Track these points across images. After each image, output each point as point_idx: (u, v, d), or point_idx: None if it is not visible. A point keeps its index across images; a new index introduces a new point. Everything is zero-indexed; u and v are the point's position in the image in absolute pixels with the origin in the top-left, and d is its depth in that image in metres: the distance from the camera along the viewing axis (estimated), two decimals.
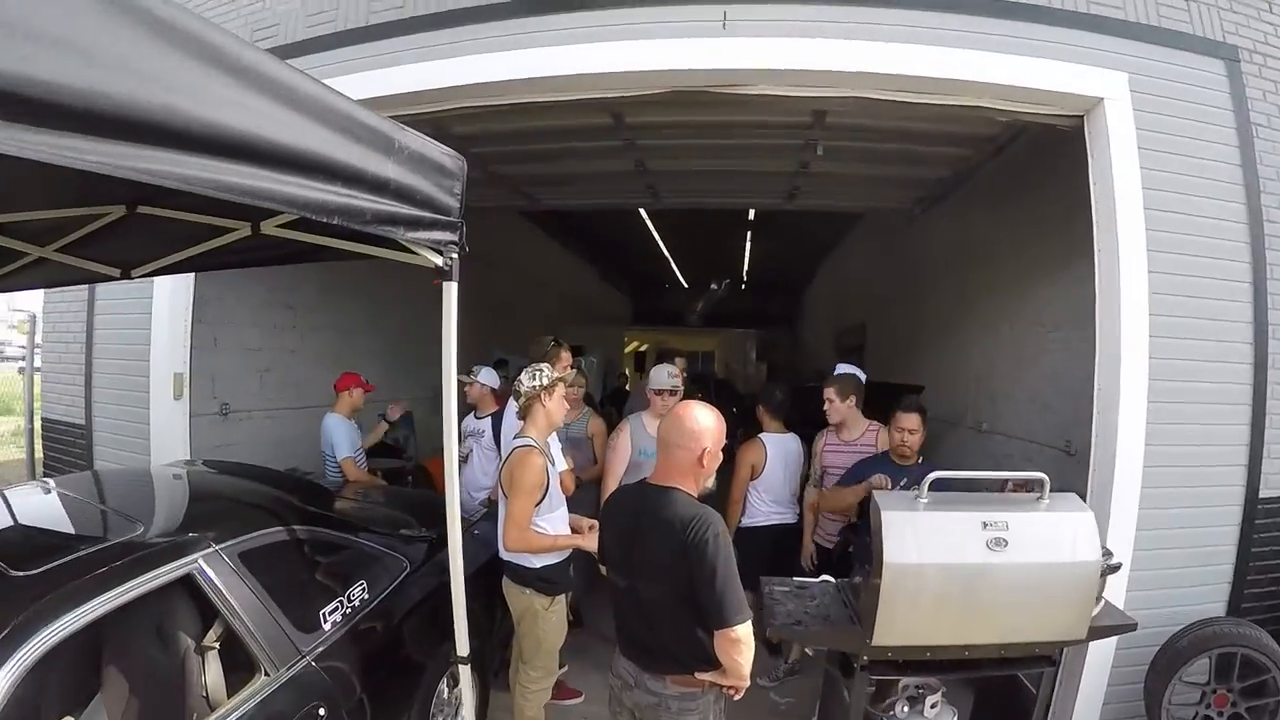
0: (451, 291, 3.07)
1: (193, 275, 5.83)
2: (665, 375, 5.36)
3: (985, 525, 3.45)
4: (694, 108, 5.72)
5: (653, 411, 5.28)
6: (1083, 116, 4.74)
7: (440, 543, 3.85)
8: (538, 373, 4.20)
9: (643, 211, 15.41)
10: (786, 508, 5.48)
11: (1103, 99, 4.64)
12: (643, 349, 25.41)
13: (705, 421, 2.91)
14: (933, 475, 3.59)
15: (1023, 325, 7.52)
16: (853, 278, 16.64)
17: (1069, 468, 6.38)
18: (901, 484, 4.54)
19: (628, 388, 18.09)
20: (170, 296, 6.08)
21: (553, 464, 4.23)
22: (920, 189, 8.83)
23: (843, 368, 6.03)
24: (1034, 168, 6.89)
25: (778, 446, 5.45)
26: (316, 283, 8.37)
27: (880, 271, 13.60)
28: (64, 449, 6.85)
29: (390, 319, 9.89)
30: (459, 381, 6.22)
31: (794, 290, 27.47)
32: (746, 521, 5.33)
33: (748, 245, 19.72)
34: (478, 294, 13.42)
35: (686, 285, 27.77)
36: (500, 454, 5.21)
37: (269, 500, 4.16)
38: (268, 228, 3.14)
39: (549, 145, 7.39)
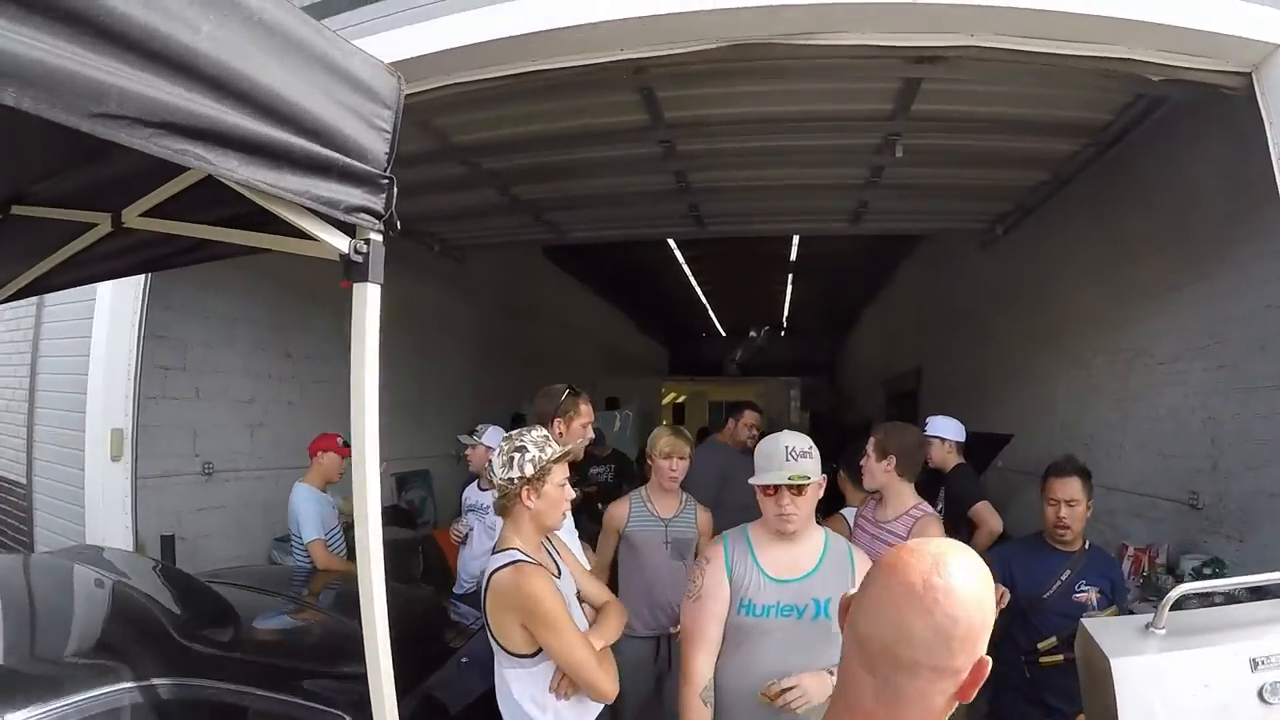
0: (370, 298, 1.97)
1: (139, 311, 4.98)
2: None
3: (1256, 665, 2.07)
4: (748, 78, 4.74)
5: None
6: (1250, 73, 3.67)
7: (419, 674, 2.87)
8: (517, 454, 2.64)
9: (678, 253, 14.70)
10: None
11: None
12: (680, 399, 24.37)
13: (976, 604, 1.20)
14: (1178, 591, 2.19)
15: (1124, 359, 6.49)
16: (904, 318, 15.62)
17: (1195, 524, 5.48)
18: (1062, 579, 3.41)
19: None
20: (109, 337, 5.16)
21: (559, 576, 2.76)
22: (1007, 200, 7.71)
23: (938, 422, 5.12)
24: (1140, 168, 5.94)
25: None
26: (320, 329, 7.53)
27: (938, 308, 12.58)
28: (4, 510, 6.03)
29: (406, 369, 9.03)
30: (460, 443, 5.36)
31: (836, 336, 26.68)
32: None
33: (788, 288, 18.93)
34: (506, 345, 12.89)
35: (724, 334, 27.08)
36: None
37: (140, 626, 2.87)
38: (131, 218, 2.22)
39: (571, 154, 6.48)
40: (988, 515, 4.69)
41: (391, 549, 6.74)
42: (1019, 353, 8.58)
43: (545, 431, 2.78)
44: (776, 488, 2.65)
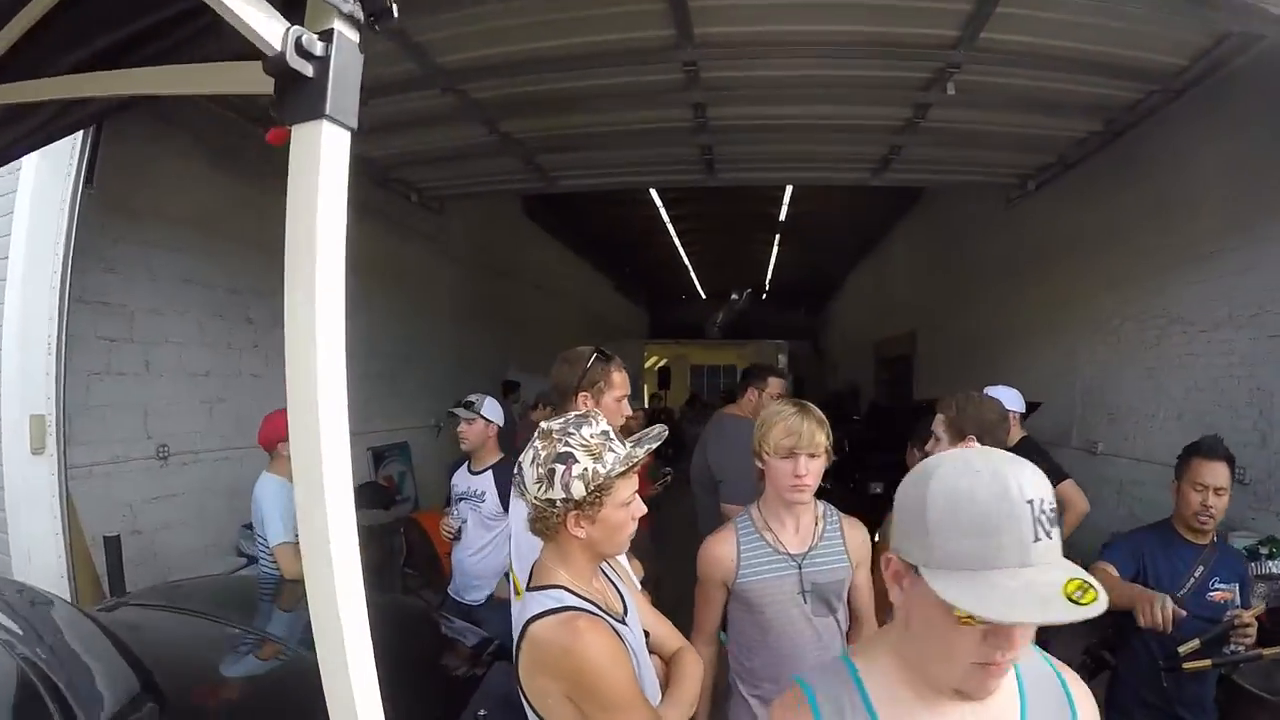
0: (328, 153, 1.09)
1: (59, 273, 4.13)
2: None
3: None
4: None
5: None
6: None
7: None
8: (560, 466, 1.77)
9: (663, 212, 14.12)
10: None
11: None
12: (662, 363, 23.97)
13: None
14: None
15: (1158, 325, 6.08)
16: (897, 281, 15.22)
17: (1241, 499, 5.02)
18: (1196, 575, 2.83)
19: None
20: (22, 306, 4.20)
21: (624, 618, 1.96)
22: (1049, 152, 7.07)
23: (999, 391, 4.47)
24: (1190, 126, 5.46)
25: None
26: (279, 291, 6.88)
27: (938, 270, 12.14)
28: None
29: (381, 333, 8.44)
30: (452, 416, 4.20)
31: (819, 299, 26.25)
32: None
33: (774, 250, 18.45)
34: (487, 306, 12.31)
35: (705, 296, 26.53)
36: (511, 529, 3.12)
37: None
38: None
39: (575, 81, 5.67)
40: (1075, 495, 4.08)
41: (366, 535, 6.19)
42: (1036, 317, 8.15)
43: (603, 424, 1.86)
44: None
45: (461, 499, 4.17)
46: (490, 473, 4.05)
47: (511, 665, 1.88)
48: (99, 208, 4.95)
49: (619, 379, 2.73)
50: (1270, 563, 4.48)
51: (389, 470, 8.69)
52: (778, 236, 16.72)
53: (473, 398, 4.16)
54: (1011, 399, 4.23)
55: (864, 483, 7.24)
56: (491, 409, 4.14)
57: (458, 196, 8.86)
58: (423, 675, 2.81)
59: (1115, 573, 2.85)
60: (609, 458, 1.79)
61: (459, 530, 4.13)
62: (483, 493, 4.04)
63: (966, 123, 6.20)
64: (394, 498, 7.98)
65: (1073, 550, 3.76)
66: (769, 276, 22.74)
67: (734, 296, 23.34)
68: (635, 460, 1.83)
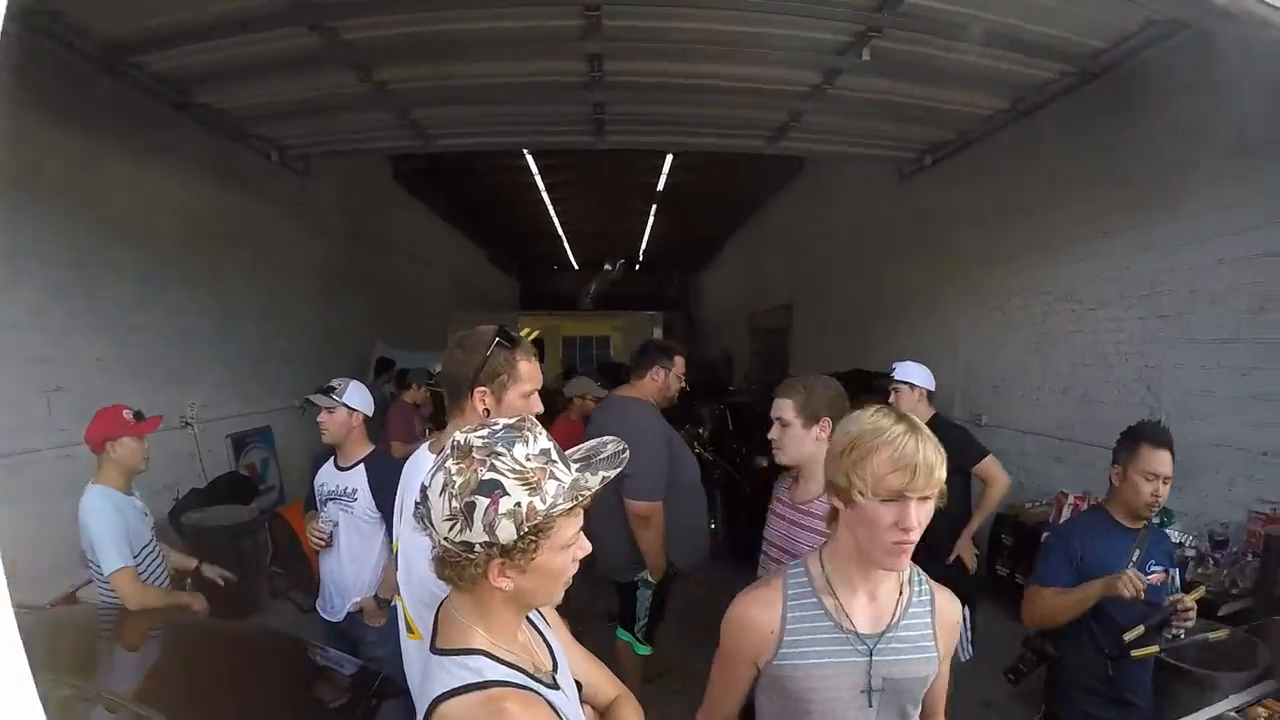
0: None
1: None
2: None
3: None
4: None
5: None
6: None
7: None
8: (481, 499, 1.27)
9: (539, 179, 13.69)
10: None
11: None
12: (534, 334, 23.40)
13: None
14: None
15: (1044, 302, 6.21)
16: (776, 252, 15.27)
17: None
18: (1134, 560, 2.77)
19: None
20: None
21: (554, 677, 1.53)
22: (951, 128, 6.96)
23: (907, 367, 4.37)
24: (1093, 109, 5.54)
25: None
26: (135, 270, 6.20)
27: (819, 242, 12.22)
28: None
29: (243, 308, 7.77)
30: (310, 404, 3.59)
31: (694, 269, 26.38)
32: None
33: (650, 220, 18.26)
34: (356, 278, 11.53)
35: (577, 266, 26.25)
36: (389, 535, 2.98)
37: None
38: None
39: (463, 24, 5.12)
40: (997, 471, 4.21)
41: (228, 535, 5.59)
42: (920, 292, 8.27)
43: (543, 439, 1.35)
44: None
45: (330, 499, 3.54)
46: (361, 468, 3.45)
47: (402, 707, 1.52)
48: None
49: (526, 370, 2.12)
50: (1167, 530, 4.66)
51: (250, 458, 8.04)
52: (655, 206, 16.50)
53: (335, 382, 3.51)
54: (921, 376, 4.28)
55: (750, 457, 7.11)
56: (356, 395, 3.49)
57: (325, 155, 8.07)
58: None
59: (1058, 592, 2.80)
60: (550, 488, 1.29)
61: (330, 536, 3.51)
62: (354, 491, 3.43)
63: (874, 92, 6.08)
64: (257, 489, 7.38)
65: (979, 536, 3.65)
66: (643, 246, 22.60)
67: (607, 267, 23.07)
68: (586, 493, 1.33)
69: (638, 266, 25.84)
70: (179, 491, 6.42)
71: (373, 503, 3.35)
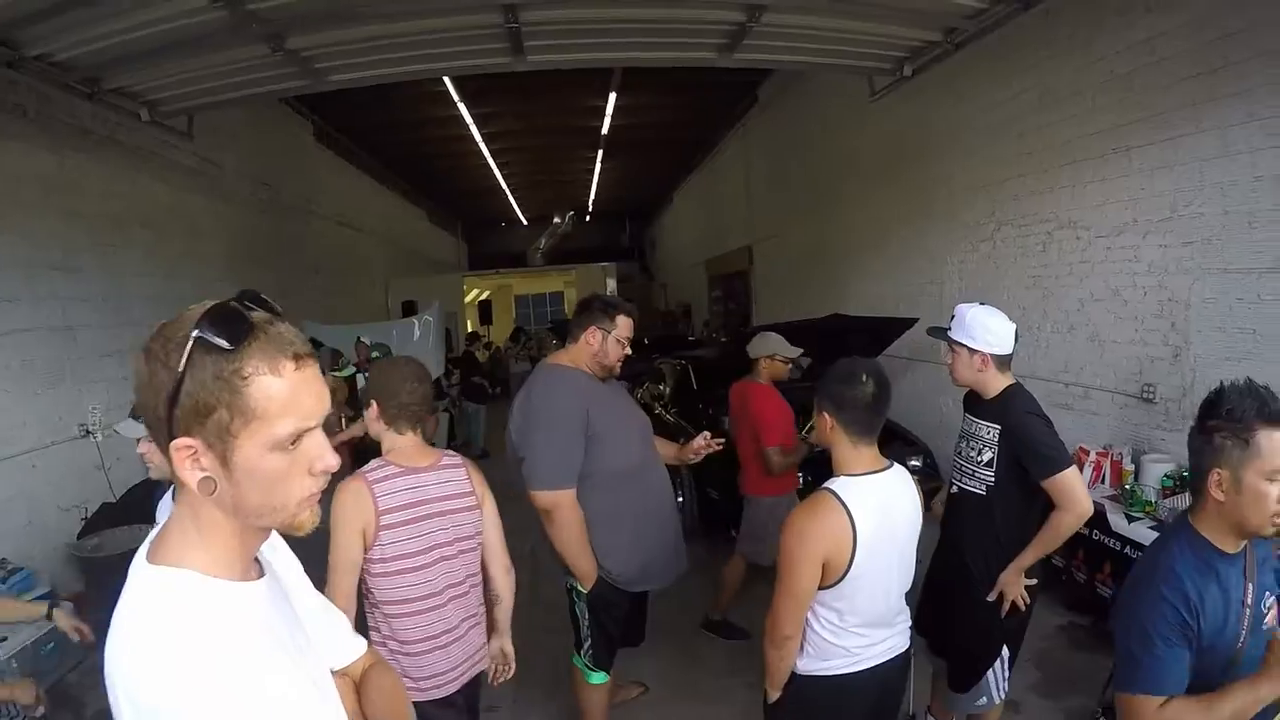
0: None
1: None
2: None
3: None
4: None
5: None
6: None
7: None
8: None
9: (475, 130, 12.80)
10: (894, 625, 2.28)
11: None
12: (485, 296, 22.44)
13: None
14: None
15: (1043, 230, 5.55)
16: (731, 194, 14.48)
17: (1147, 419, 4.81)
18: (1248, 601, 1.78)
19: (481, 349, 14.94)
20: None
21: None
22: (935, 28, 5.86)
23: (964, 320, 2.84)
24: (1118, 2, 4.73)
25: (875, 508, 2.12)
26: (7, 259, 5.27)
27: (779, 179, 11.47)
28: None
29: (133, 298, 6.81)
30: (120, 435, 2.66)
31: (645, 219, 25.62)
32: (811, 667, 2.21)
33: (596, 168, 17.42)
34: (277, 245, 10.53)
35: (526, 222, 25.40)
36: None
37: None
38: None
39: None
40: (1076, 491, 2.64)
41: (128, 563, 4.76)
42: (897, 225, 7.55)
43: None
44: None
45: None
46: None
47: None
48: None
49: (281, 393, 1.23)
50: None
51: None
52: (601, 152, 15.68)
53: (125, 422, 2.63)
54: (983, 333, 2.77)
55: (718, 418, 6.31)
56: (130, 428, 2.58)
57: (202, 108, 6.72)
58: None
59: (1180, 702, 1.74)
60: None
61: None
62: None
63: None
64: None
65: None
66: (593, 196, 21.77)
67: (556, 220, 22.29)
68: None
69: (588, 218, 25.06)
70: (86, 510, 5.66)
71: None
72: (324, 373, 3.71)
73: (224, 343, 0.94)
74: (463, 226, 26.78)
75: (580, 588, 3.05)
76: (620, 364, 3.12)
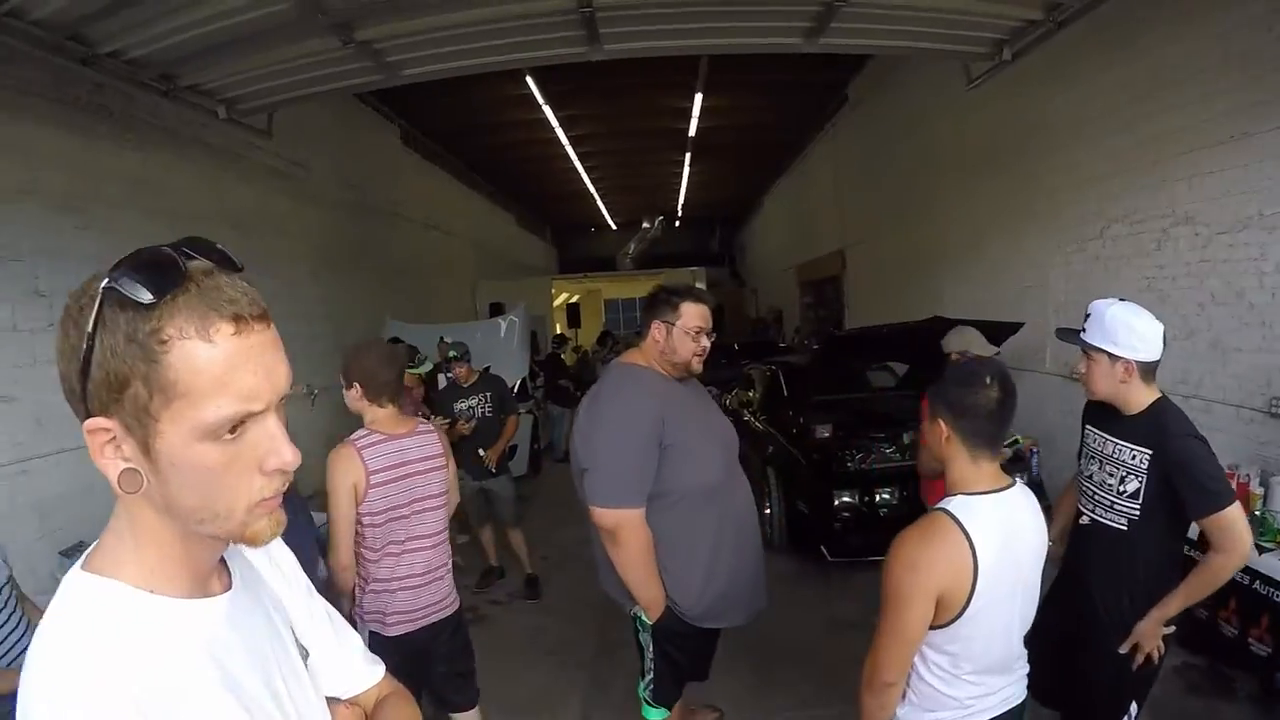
0: None
1: None
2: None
3: None
4: None
5: None
6: None
7: None
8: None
9: (561, 133, 12.81)
10: (1012, 672, 1.98)
11: None
12: (574, 300, 22.54)
13: None
14: None
15: (1157, 228, 5.12)
16: (822, 196, 14.11)
17: (1275, 435, 4.36)
18: None
19: (569, 352, 14.83)
20: None
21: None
22: (1036, 5, 5.43)
23: (1102, 320, 2.41)
24: None
25: (997, 533, 1.82)
26: (82, 253, 5.42)
27: (872, 179, 11.10)
28: None
29: None
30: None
31: (735, 223, 25.32)
32: (915, 718, 1.92)
33: (684, 171, 17.23)
34: (365, 247, 10.67)
35: (615, 227, 25.41)
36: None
37: None
38: None
39: None
40: (1238, 529, 2.24)
41: None
42: (996, 224, 7.17)
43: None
44: None
45: None
46: None
47: None
48: None
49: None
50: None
51: None
52: (688, 155, 15.51)
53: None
54: (1127, 337, 2.34)
55: (809, 426, 6.05)
56: None
57: (278, 105, 6.72)
58: None
59: None
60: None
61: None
62: None
63: None
64: None
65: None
66: (681, 201, 21.62)
67: (645, 225, 22.21)
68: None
69: (678, 223, 24.90)
70: None
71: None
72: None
73: (140, 294, 0.76)
74: (552, 231, 26.99)
75: (644, 618, 2.74)
76: (699, 359, 2.75)
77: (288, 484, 0.88)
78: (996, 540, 1.79)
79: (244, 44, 5.14)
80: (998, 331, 6.20)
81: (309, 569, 2.39)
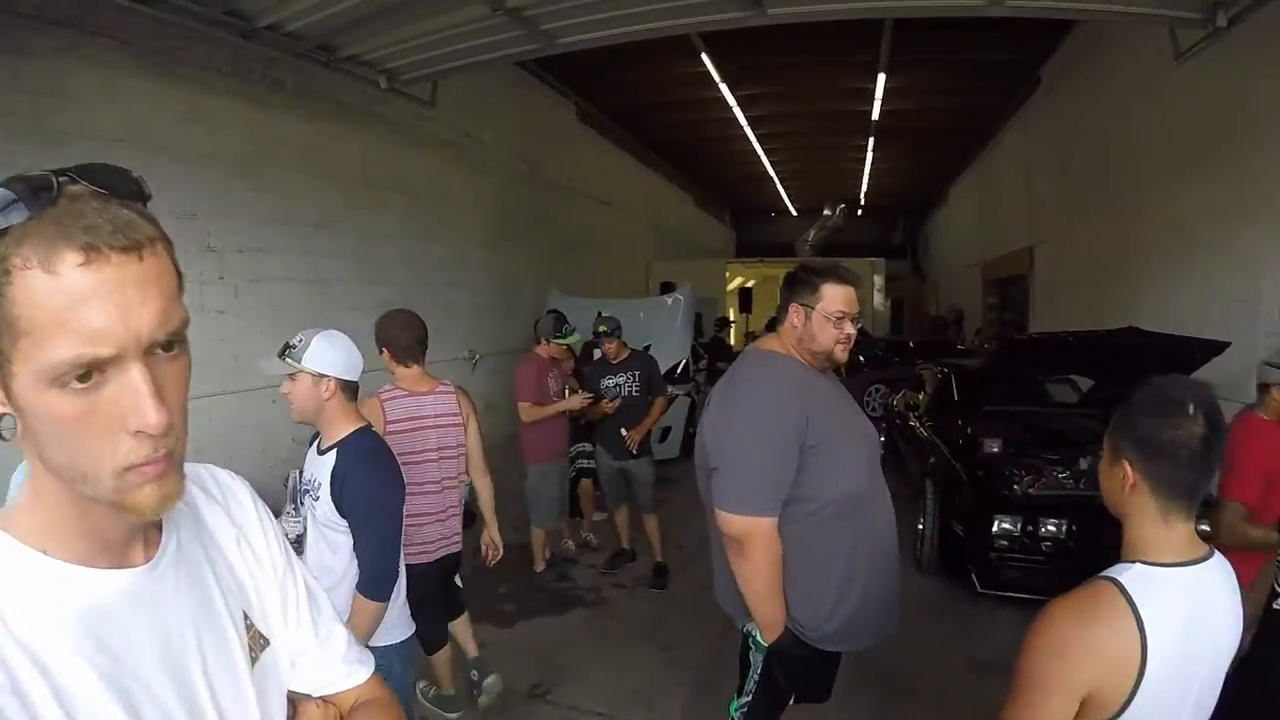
0: None
1: None
2: None
3: None
4: None
5: None
6: None
7: None
8: None
9: (739, 113, 12.54)
10: None
11: None
12: (749, 285, 22.17)
13: None
14: None
15: None
16: (1012, 188, 13.17)
17: None
18: None
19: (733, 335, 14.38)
20: None
21: None
22: None
23: None
24: None
25: (1182, 621, 1.34)
26: (253, 213, 5.78)
27: (1067, 172, 10.18)
28: None
29: (391, 259, 7.28)
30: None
31: (919, 214, 24.20)
32: None
33: (868, 156, 16.61)
34: (536, 220, 10.75)
35: (795, 213, 24.87)
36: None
37: None
38: None
39: None
40: None
41: None
42: (1203, 224, 6.32)
43: None
44: None
45: (305, 492, 2.55)
46: (335, 453, 2.41)
47: None
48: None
49: None
50: None
51: None
52: (871, 140, 14.90)
53: (297, 337, 2.44)
54: None
55: (976, 438, 5.43)
56: (324, 353, 2.39)
57: (438, 75, 6.74)
58: None
59: None
60: None
61: (296, 540, 2.47)
62: (320, 484, 2.42)
63: None
64: None
65: None
66: (864, 189, 20.98)
67: (826, 212, 21.55)
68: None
69: (859, 212, 24.06)
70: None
71: (330, 502, 2.38)
72: (542, 341, 3.70)
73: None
74: (731, 215, 26.82)
75: (759, 637, 2.41)
76: (843, 348, 2.38)
77: (166, 450, 0.74)
78: (1178, 630, 1.33)
79: (396, 13, 5.27)
80: (1194, 352, 5.43)
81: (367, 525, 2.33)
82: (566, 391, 5.26)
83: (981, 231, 15.63)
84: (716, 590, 2.54)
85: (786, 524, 2.26)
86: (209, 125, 5.46)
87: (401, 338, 3.18)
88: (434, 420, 3.23)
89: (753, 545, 2.23)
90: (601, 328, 5.41)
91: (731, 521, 2.23)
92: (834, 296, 2.32)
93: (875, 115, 12.43)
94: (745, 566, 2.28)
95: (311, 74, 6.04)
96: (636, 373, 5.44)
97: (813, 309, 2.33)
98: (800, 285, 2.37)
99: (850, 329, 2.36)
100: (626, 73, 11.02)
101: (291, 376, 2.41)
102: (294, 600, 1.06)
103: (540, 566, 5.35)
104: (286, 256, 6.14)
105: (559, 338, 5.23)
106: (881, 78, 10.40)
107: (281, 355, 2.41)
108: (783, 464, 2.23)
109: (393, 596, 2.44)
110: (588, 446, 5.81)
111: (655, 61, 10.45)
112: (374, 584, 2.35)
